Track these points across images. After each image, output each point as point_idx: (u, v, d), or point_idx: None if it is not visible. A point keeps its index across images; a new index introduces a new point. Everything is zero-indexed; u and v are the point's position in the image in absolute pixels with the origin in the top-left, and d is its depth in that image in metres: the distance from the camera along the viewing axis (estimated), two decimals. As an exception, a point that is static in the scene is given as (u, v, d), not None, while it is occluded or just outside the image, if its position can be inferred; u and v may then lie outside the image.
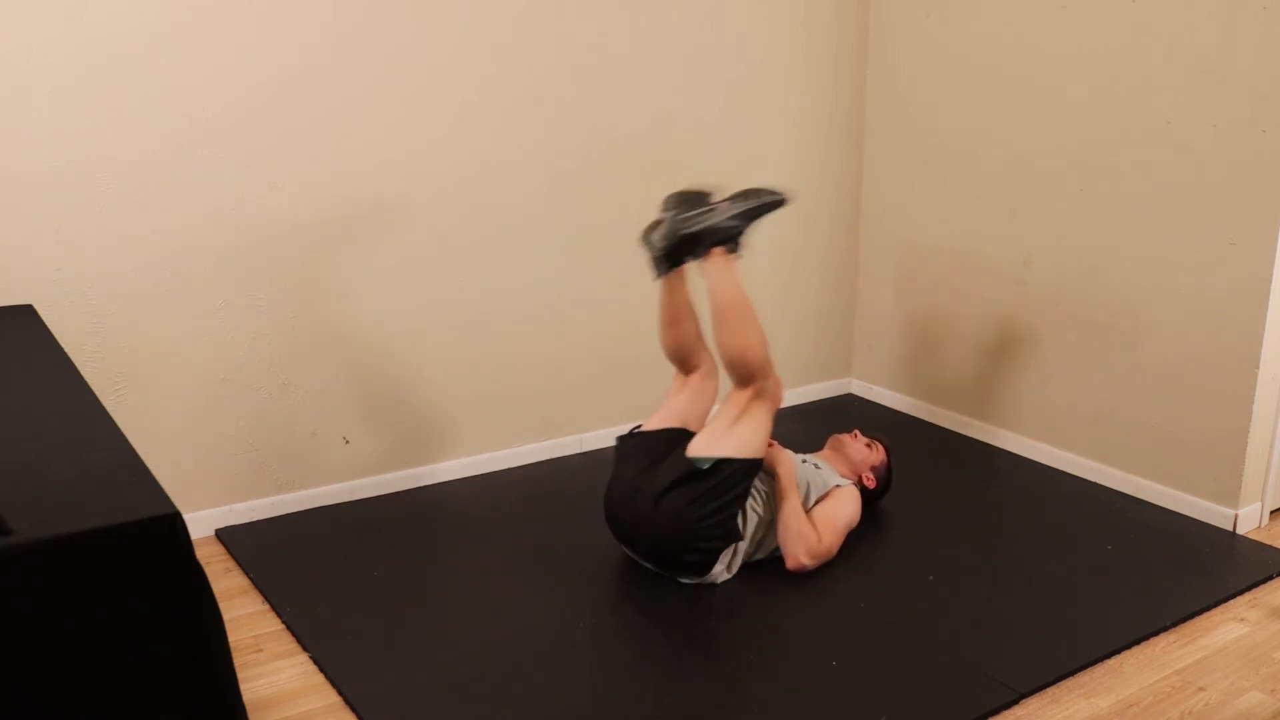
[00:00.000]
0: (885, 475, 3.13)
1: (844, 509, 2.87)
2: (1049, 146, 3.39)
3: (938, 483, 3.41)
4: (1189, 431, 3.15)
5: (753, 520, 2.74)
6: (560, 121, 3.36)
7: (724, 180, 3.72)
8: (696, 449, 2.63)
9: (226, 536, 3.00)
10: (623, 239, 3.57)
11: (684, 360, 2.87)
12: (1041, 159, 3.42)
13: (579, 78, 3.36)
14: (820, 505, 2.85)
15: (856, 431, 3.17)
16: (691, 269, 2.78)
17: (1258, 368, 2.96)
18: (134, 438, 2.53)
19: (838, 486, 2.91)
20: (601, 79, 3.40)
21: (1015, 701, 2.30)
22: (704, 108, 3.64)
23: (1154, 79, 3.08)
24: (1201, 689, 2.36)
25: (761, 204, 2.69)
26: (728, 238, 2.67)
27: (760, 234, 3.86)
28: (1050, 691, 2.34)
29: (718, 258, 2.68)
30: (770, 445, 2.90)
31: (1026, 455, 3.61)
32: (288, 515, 3.12)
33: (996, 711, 2.27)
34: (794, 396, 4.13)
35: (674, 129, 3.58)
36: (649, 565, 2.76)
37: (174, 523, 1.43)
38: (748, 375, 2.66)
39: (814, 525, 2.78)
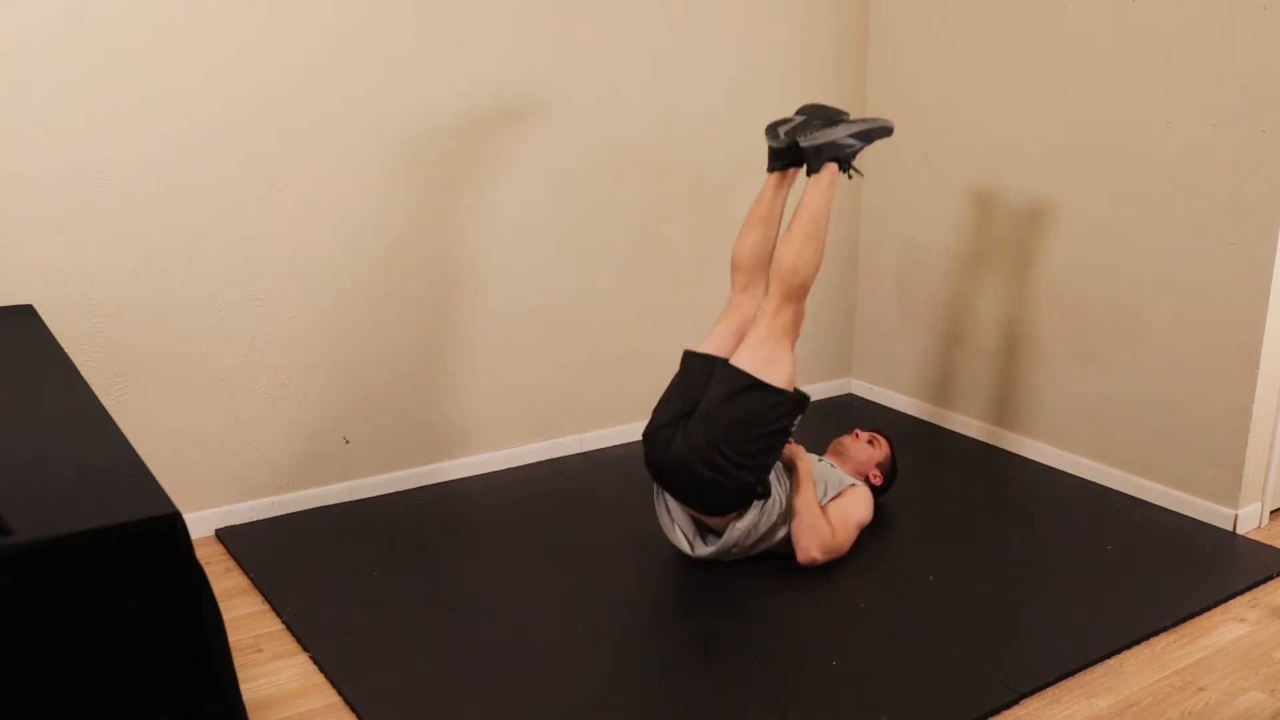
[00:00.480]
0: (891, 469, 3.13)
1: (858, 507, 2.89)
2: (1049, 146, 3.39)
3: (938, 483, 3.41)
4: (1189, 431, 3.15)
5: (776, 505, 2.75)
6: (560, 121, 3.36)
7: (724, 181, 3.73)
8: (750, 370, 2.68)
9: (226, 536, 3.00)
10: (623, 239, 3.58)
11: (751, 269, 2.86)
12: (1042, 158, 3.42)
13: (579, 78, 3.36)
14: (835, 502, 2.86)
15: (856, 431, 3.17)
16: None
17: (1258, 367, 2.96)
18: (134, 438, 2.53)
19: (852, 485, 2.93)
20: (602, 79, 3.40)
21: (1015, 701, 2.30)
22: (704, 107, 3.64)
23: (1154, 79, 3.08)
24: (1201, 689, 2.36)
25: (876, 128, 2.86)
26: (842, 155, 2.81)
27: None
28: (1050, 691, 2.34)
29: (827, 172, 2.78)
30: (789, 443, 2.90)
31: (1026, 455, 3.61)
32: (288, 515, 3.12)
33: (996, 711, 2.27)
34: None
35: (674, 129, 3.58)
36: (680, 500, 2.76)
37: (174, 523, 1.43)
38: (792, 288, 2.71)
39: (828, 520, 2.79)
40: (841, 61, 3.91)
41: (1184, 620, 2.62)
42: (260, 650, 2.48)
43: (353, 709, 2.25)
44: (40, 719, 1.39)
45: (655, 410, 2.80)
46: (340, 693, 2.31)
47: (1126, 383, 3.29)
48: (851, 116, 2.87)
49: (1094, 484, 3.39)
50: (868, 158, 4.03)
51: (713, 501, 2.71)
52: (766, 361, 2.68)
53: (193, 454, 2.98)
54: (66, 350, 2.25)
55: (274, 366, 3.04)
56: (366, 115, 3.03)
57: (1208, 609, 2.67)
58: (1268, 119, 2.85)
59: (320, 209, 3.02)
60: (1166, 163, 3.09)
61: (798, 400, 2.71)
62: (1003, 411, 3.69)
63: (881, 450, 3.13)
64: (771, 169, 2.89)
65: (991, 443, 3.72)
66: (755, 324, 2.74)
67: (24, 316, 2.49)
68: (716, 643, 2.50)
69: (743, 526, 2.72)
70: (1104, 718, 2.26)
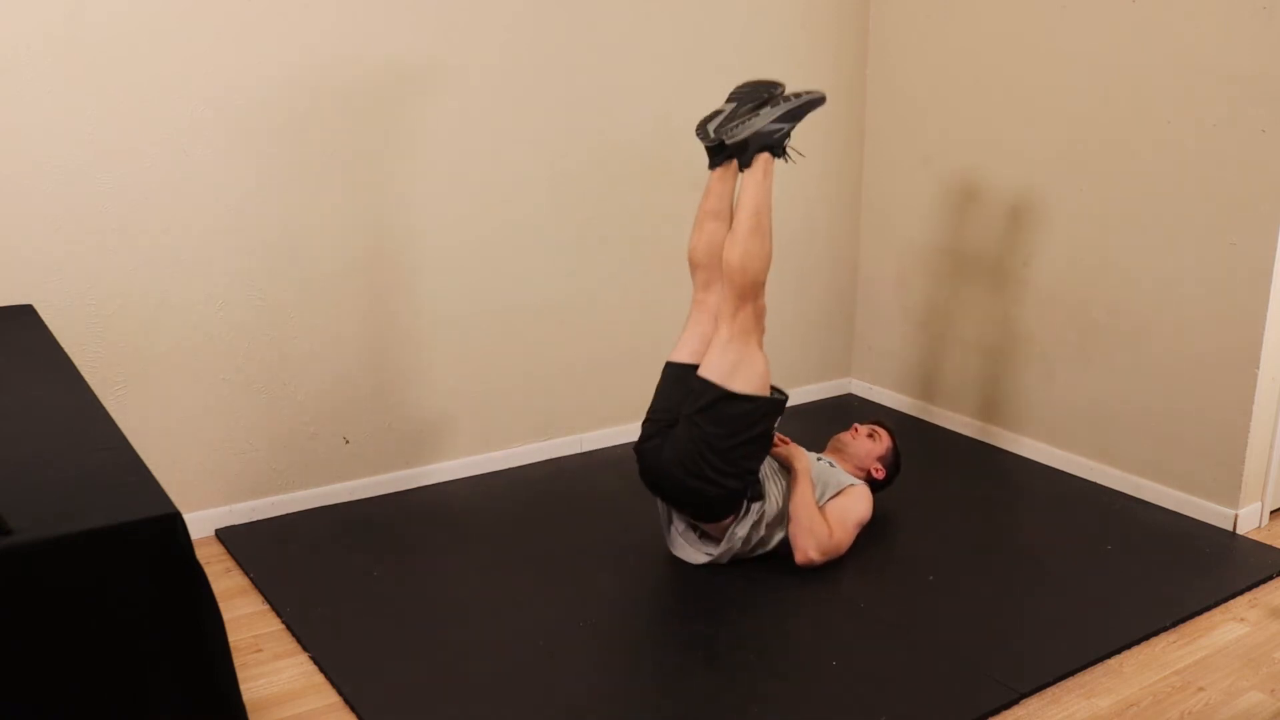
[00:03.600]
0: (894, 461, 3.12)
1: (856, 506, 2.88)
2: (1049, 146, 3.39)
3: (938, 483, 3.41)
4: (1189, 431, 3.15)
5: (772, 505, 2.75)
6: (560, 121, 3.36)
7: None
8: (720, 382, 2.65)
9: (226, 536, 3.00)
10: (623, 239, 3.58)
11: (709, 266, 2.82)
12: (1041, 158, 3.42)
13: (579, 78, 3.36)
14: (833, 502, 2.86)
15: (855, 426, 3.16)
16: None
17: (1258, 367, 2.96)
18: (134, 438, 2.52)
19: (851, 485, 2.92)
20: (602, 79, 3.40)
21: (1015, 701, 2.30)
22: (704, 107, 3.62)
23: (1154, 79, 3.08)
24: (1201, 689, 2.36)
25: (804, 104, 2.73)
26: (771, 143, 2.71)
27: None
28: (1050, 691, 2.34)
29: (760, 164, 2.71)
30: (785, 443, 2.90)
31: (1026, 455, 3.61)
32: (288, 515, 3.12)
33: (996, 711, 2.27)
34: (794, 396, 4.11)
35: (674, 128, 3.57)
36: (674, 508, 2.77)
37: (174, 523, 1.43)
38: (744, 287, 2.65)
39: (826, 520, 2.79)
40: (841, 61, 3.91)
41: (1184, 620, 2.62)
42: (260, 650, 2.48)
43: (353, 709, 2.25)
44: (40, 719, 1.39)
45: (644, 422, 2.79)
46: (340, 693, 2.31)
47: (1127, 383, 3.29)
48: (786, 91, 2.74)
49: (1094, 484, 3.39)
50: (867, 157, 4.05)
51: (706, 509, 2.72)
52: (734, 367, 2.64)
53: (193, 454, 2.98)
54: (66, 350, 2.25)
55: (274, 366, 3.04)
56: (366, 115, 3.03)
57: (1208, 609, 2.67)
58: (1268, 119, 2.85)
59: (321, 209, 3.02)
60: (1166, 163, 3.09)
61: (771, 404, 2.68)
62: (1002, 411, 3.69)
63: (882, 443, 3.12)
64: (711, 166, 2.81)
65: (991, 442, 3.72)
66: (717, 329, 2.70)
67: (24, 316, 2.49)
68: (716, 643, 2.50)
69: (741, 533, 2.73)
70: (1104, 718, 2.26)
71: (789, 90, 2.75)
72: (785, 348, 4.07)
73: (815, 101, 2.76)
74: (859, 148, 4.04)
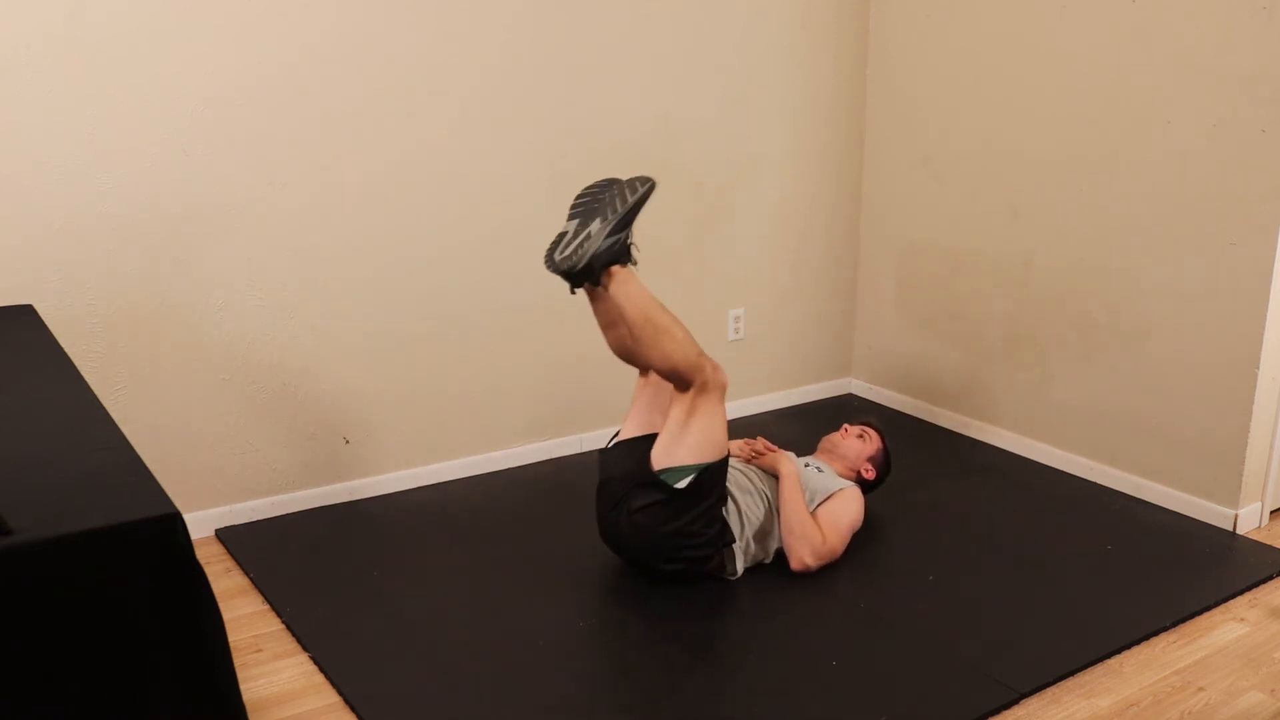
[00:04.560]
0: (884, 461, 3.11)
1: (847, 510, 2.86)
2: (1049, 146, 3.39)
3: (938, 483, 3.41)
4: (1189, 431, 3.15)
5: (752, 521, 2.75)
6: (560, 121, 3.36)
7: (724, 181, 3.73)
8: (657, 461, 2.60)
9: (226, 536, 3.00)
10: (623, 239, 3.58)
11: (633, 361, 2.78)
12: (1042, 159, 3.42)
13: (578, 78, 3.36)
14: (824, 506, 2.84)
15: (845, 427, 3.15)
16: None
17: (1258, 368, 2.96)
18: (134, 438, 2.53)
19: (840, 490, 2.90)
20: (601, 79, 3.40)
21: (1015, 701, 2.30)
22: (703, 107, 3.64)
23: (1154, 79, 3.08)
24: (1201, 689, 2.36)
25: (632, 206, 2.58)
26: (613, 257, 2.58)
27: (760, 233, 3.88)
28: (1050, 691, 2.34)
29: (615, 276, 2.58)
30: (772, 450, 2.90)
31: (1027, 455, 3.61)
32: (288, 515, 3.12)
33: (996, 711, 2.27)
34: (794, 396, 4.13)
35: (674, 129, 3.58)
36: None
37: (174, 523, 1.43)
38: (682, 379, 2.60)
39: (818, 526, 2.78)
40: (841, 61, 3.91)
41: (1184, 620, 2.62)
42: (260, 650, 2.48)
43: (353, 709, 2.25)
44: (40, 719, 1.39)
45: (597, 498, 2.73)
46: (340, 693, 2.31)
47: (1127, 383, 3.29)
48: (623, 181, 2.60)
49: (1094, 484, 3.39)
50: (867, 157, 4.05)
51: (687, 575, 2.70)
52: (680, 436, 2.59)
53: (193, 454, 2.98)
54: (66, 350, 2.25)
55: (274, 367, 3.04)
56: (367, 115, 3.03)
57: (1208, 609, 2.67)
58: (1268, 119, 2.85)
59: (321, 209, 3.02)
60: (1166, 163, 3.09)
61: (712, 470, 2.60)
62: (1002, 411, 3.69)
63: (872, 444, 3.11)
64: (572, 291, 2.66)
65: (991, 442, 3.72)
66: (670, 413, 2.63)
67: (24, 316, 2.49)
68: (716, 643, 2.50)
69: (737, 566, 2.73)
70: (1104, 718, 2.26)
71: (626, 180, 2.62)
72: (785, 348, 4.07)
73: (644, 197, 2.60)
74: (859, 148, 4.04)
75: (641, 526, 2.61)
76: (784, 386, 4.07)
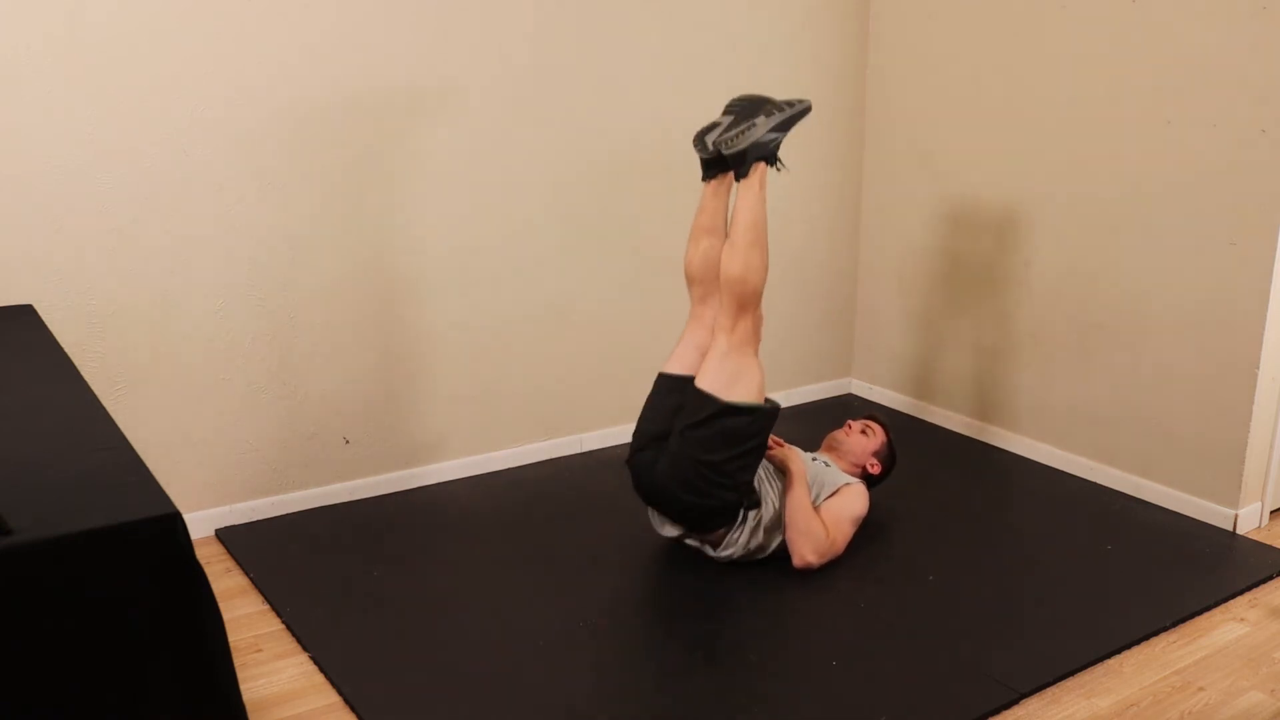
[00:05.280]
0: (889, 455, 3.11)
1: (852, 505, 2.87)
2: (1049, 146, 3.39)
3: (938, 483, 3.41)
4: (1189, 431, 3.14)
5: (769, 509, 2.75)
6: (560, 125, 3.35)
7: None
8: (720, 394, 2.64)
9: (226, 536, 3.00)
10: (623, 240, 3.58)
11: (705, 280, 2.83)
12: (1041, 159, 3.42)
13: (579, 83, 3.36)
14: (828, 502, 2.85)
15: (849, 424, 3.15)
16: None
17: (1258, 368, 2.96)
18: (134, 438, 2.52)
19: (846, 485, 2.91)
20: (602, 82, 3.40)
21: (1015, 701, 2.30)
22: (704, 108, 3.62)
23: (1154, 79, 3.08)
24: (1201, 689, 2.36)
25: (795, 113, 2.75)
26: (767, 153, 2.72)
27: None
28: (1050, 691, 2.34)
29: (756, 174, 2.71)
30: (780, 445, 2.90)
31: (1026, 455, 3.61)
32: (288, 515, 3.12)
33: (996, 711, 2.27)
34: (794, 396, 4.13)
35: (674, 130, 3.57)
36: (670, 520, 2.77)
37: (174, 523, 1.43)
38: (743, 298, 2.66)
39: (822, 522, 2.79)
40: (841, 62, 3.91)
41: (1184, 620, 2.62)
42: (260, 650, 2.48)
43: (353, 709, 2.25)
44: (41, 719, 1.39)
45: (634, 433, 2.79)
46: (340, 693, 2.31)
47: (1127, 383, 3.29)
48: (778, 100, 2.77)
49: (1094, 484, 3.39)
50: (867, 157, 4.05)
51: (702, 521, 2.72)
52: (732, 378, 2.65)
53: (193, 454, 2.98)
54: (66, 350, 2.25)
55: (274, 367, 3.04)
56: (368, 119, 3.03)
57: (1208, 609, 2.67)
58: (1268, 119, 2.85)
59: (321, 209, 3.02)
60: (1166, 163, 3.09)
61: (768, 413, 2.68)
62: (1002, 411, 3.69)
63: (876, 438, 3.10)
64: (706, 179, 2.82)
65: (991, 442, 3.72)
66: (715, 340, 2.70)
67: (24, 316, 2.49)
68: (716, 643, 2.50)
69: (741, 540, 2.73)
70: (1104, 718, 2.26)
71: (780, 99, 2.78)
72: (785, 348, 4.07)
73: (804, 111, 2.77)
74: (859, 148, 4.04)
75: (692, 442, 2.61)
76: (784, 386, 4.07)
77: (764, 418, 2.67)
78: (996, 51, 3.51)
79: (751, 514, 2.73)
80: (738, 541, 2.74)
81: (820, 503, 2.84)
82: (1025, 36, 3.41)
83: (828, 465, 2.97)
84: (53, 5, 2.58)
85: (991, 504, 3.27)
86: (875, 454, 3.08)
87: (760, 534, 2.75)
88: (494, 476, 3.43)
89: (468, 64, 3.16)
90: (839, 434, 3.14)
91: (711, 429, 2.61)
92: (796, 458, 2.86)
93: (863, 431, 3.11)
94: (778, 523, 2.79)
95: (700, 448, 2.61)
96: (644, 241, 3.62)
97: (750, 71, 3.70)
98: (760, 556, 2.80)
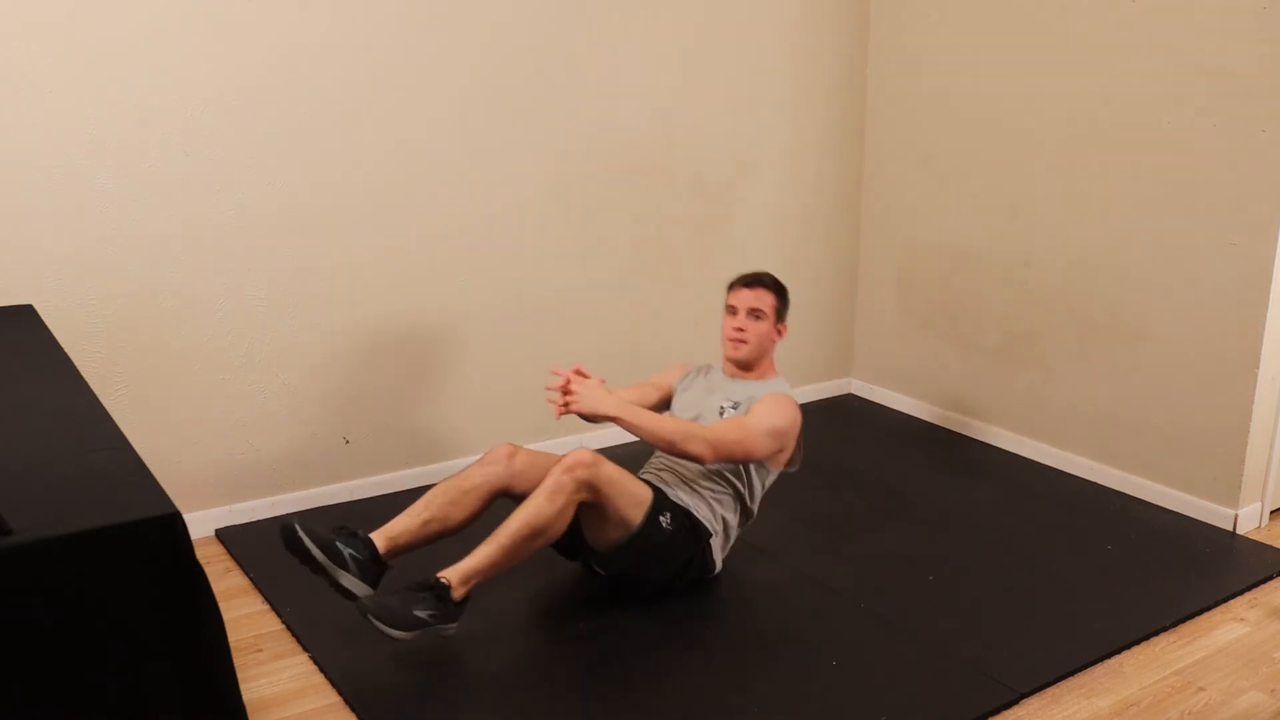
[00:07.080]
0: (780, 301, 2.74)
1: (766, 419, 2.58)
2: (1049, 146, 3.39)
3: (938, 483, 3.41)
4: (1189, 431, 3.14)
5: (718, 520, 2.68)
6: (560, 122, 3.35)
7: (724, 181, 3.73)
8: (610, 545, 2.54)
9: (226, 536, 3.00)
10: (623, 238, 3.58)
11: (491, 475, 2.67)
12: (1041, 159, 3.42)
13: (579, 79, 3.36)
14: (738, 420, 2.60)
15: (729, 324, 2.73)
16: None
17: (1258, 368, 2.96)
18: (134, 438, 2.52)
19: (760, 399, 2.63)
20: (602, 79, 3.40)
21: (1015, 701, 2.30)
22: (704, 107, 3.64)
23: (1154, 79, 3.08)
24: (1201, 689, 2.36)
25: (432, 629, 2.33)
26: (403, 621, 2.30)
27: (760, 233, 3.88)
28: (1050, 691, 2.34)
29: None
30: (576, 388, 2.57)
31: (1026, 455, 3.61)
32: (288, 515, 3.12)
33: (996, 711, 2.27)
34: (795, 396, 4.12)
35: (674, 128, 3.58)
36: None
37: (174, 523, 1.43)
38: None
39: (710, 428, 2.53)
40: (841, 61, 3.91)
41: (1184, 620, 2.62)
42: (260, 650, 2.48)
43: (353, 709, 2.25)
44: (40, 719, 1.39)
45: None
46: (340, 693, 2.31)
47: (1126, 383, 3.29)
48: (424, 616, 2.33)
49: (1094, 484, 3.39)
50: (867, 157, 4.05)
51: (685, 571, 2.66)
52: (621, 519, 2.51)
53: (193, 454, 2.98)
54: (66, 350, 2.25)
55: (274, 367, 3.04)
56: (366, 116, 3.03)
57: (1208, 609, 2.67)
58: (1268, 119, 2.85)
59: (321, 209, 3.02)
60: (1166, 163, 3.09)
61: (652, 510, 2.53)
62: (1003, 411, 3.69)
63: (766, 303, 2.70)
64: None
65: (991, 442, 3.72)
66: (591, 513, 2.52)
67: (24, 316, 2.49)
68: (716, 643, 2.50)
69: (718, 554, 2.71)
70: (1104, 718, 2.26)
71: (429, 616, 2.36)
72: (785, 348, 4.05)
73: (442, 633, 2.37)
74: (859, 148, 4.04)
75: (632, 577, 2.60)
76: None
77: (653, 520, 2.51)
78: (997, 52, 3.51)
79: (714, 540, 2.67)
80: (721, 553, 2.72)
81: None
82: (1025, 36, 3.41)
83: (727, 381, 2.71)
84: (53, 5, 2.58)
85: (991, 504, 3.27)
86: (775, 324, 2.74)
87: (734, 533, 2.73)
88: (494, 476, 3.42)
89: (469, 64, 3.15)
90: (727, 345, 2.74)
91: (646, 557, 2.56)
92: (604, 396, 2.54)
93: (754, 316, 2.71)
94: (740, 518, 2.72)
95: (645, 566, 2.58)
96: (644, 239, 3.62)
97: (750, 69, 3.70)
98: (749, 524, 2.76)
